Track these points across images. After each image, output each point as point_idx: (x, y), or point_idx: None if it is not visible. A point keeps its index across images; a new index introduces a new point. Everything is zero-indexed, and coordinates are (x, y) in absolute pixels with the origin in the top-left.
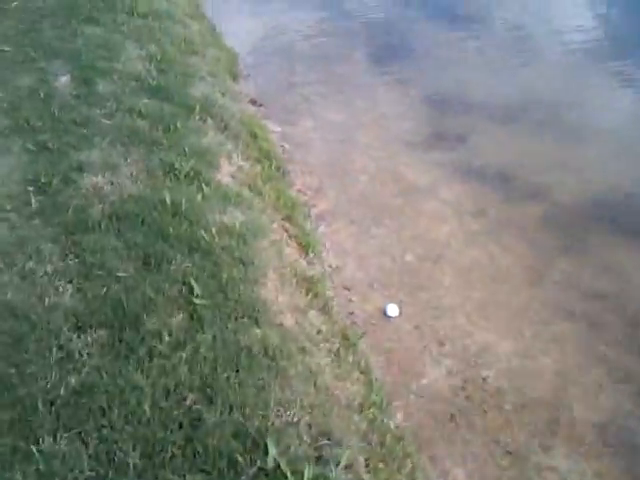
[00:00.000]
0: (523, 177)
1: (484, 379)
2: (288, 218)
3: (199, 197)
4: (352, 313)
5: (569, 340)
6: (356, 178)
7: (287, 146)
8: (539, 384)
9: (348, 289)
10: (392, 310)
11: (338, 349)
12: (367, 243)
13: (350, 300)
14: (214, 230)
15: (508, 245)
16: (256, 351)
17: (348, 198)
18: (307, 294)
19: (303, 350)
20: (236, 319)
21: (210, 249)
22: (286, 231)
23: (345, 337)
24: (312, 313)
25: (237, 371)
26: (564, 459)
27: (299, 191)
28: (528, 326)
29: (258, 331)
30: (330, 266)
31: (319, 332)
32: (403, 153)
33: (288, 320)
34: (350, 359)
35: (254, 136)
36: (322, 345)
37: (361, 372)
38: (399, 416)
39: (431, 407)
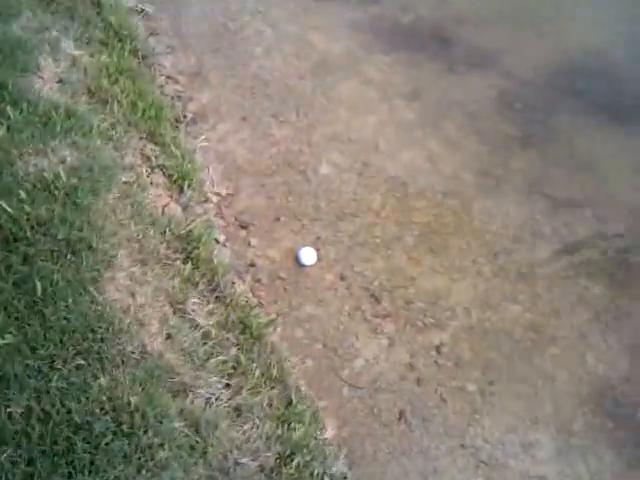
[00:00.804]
0: (467, 39)
1: (438, 348)
2: (151, 135)
3: (0, 131)
4: (252, 265)
5: (543, 278)
6: (248, 51)
7: (149, 9)
8: (509, 344)
9: (244, 227)
10: (307, 255)
11: (236, 362)
12: (267, 152)
13: (249, 244)
14: (22, 193)
15: (453, 140)
16: None
17: (238, 83)
18: (183, 272)
19: (183, 390)
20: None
21: (14, 233)
22: (147, 159)
23: (244, 329)
24: (193, 306)
25: None
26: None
27: (168, 79)
28: (489, 259)
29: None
30: (218, 194)
31: (206, 341)
32: (311, 12)
33: (157, 342)
34: (255, 372)
35: (97, 4)
36: (212, 362)
37: (271, 386)
38: (330, 428)
39: (372, 402)
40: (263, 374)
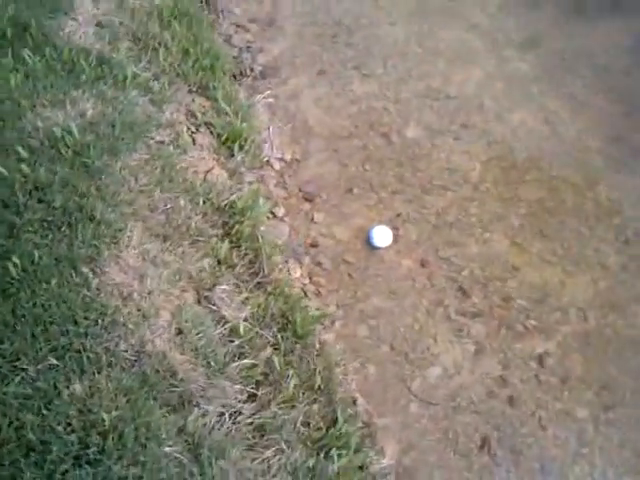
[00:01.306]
0: None
1: (541, 359)
2: (202, 89)
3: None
4: (314, 245)
5: None
6: None
7: None
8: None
9: (309, 199)
10: (382, 236)
11: (268, 368)
12: (345, 110)
13: (312, 219)
14: (22, 151)
15: (578, 98)
16: None
17: (318, 32)
18: (218, 251)
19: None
20: None
21: (5, 198)
22: (193, 116)
23: (286, 325)
24: (222, 294)
25: None
26: None
27: (238, 27)
28: (617, 248)
29: None
30: (281, 160)
31: (232, 338)
32: None
33: (161, 339)
34: (291, 380)
35: None
36: (234, 366)
37: (313, 399)
38: (389, 453)
39: (447, 424)
40: (303, 383)
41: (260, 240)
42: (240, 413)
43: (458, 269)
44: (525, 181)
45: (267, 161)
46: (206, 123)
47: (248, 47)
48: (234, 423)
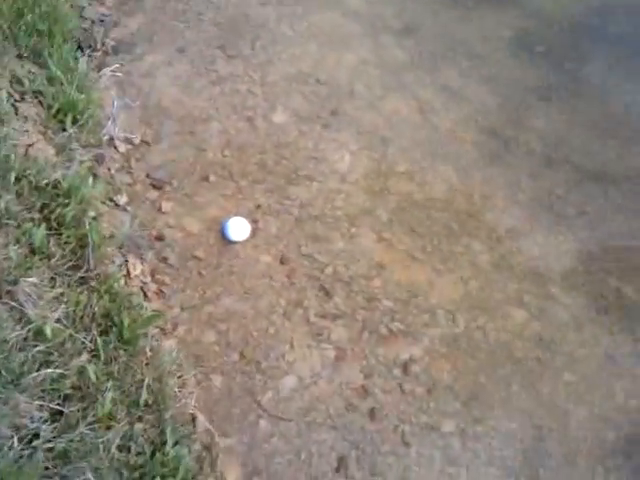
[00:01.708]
0: None
1: (405, 366)
2: (34, 55)
3: None
4: (160, 238)
5: (562, 276)
6: None
7: None
8: (508, 365)
9: (158, 186)
10: (238, 228)
11: (80, 379)
12: (206, 91)
13: (159, 209)
14: None
15: (453, 88)
16: None
17: (181, 8)
18: (30, 238)
19: None
20: None
21: None
22: (19, 83)
23: (110, 328)
24: (29, 288)
25: None
26: None
27: None
28: (489, 246)
29: None
30: (129, 142)
31: (35, 343)
32: None
33: None
34: (108, 394)
35: None
36: (31, 378)
37: (137, 417)
38: None
39: (300, 443)
40: (126, 397)
41: (87, 227)
42: (36, 436)
43: (321, 267)
44: (395, 173)
45: (110, 140)
46: (34, 92)
47: (101, 20)
48: (25, 449)
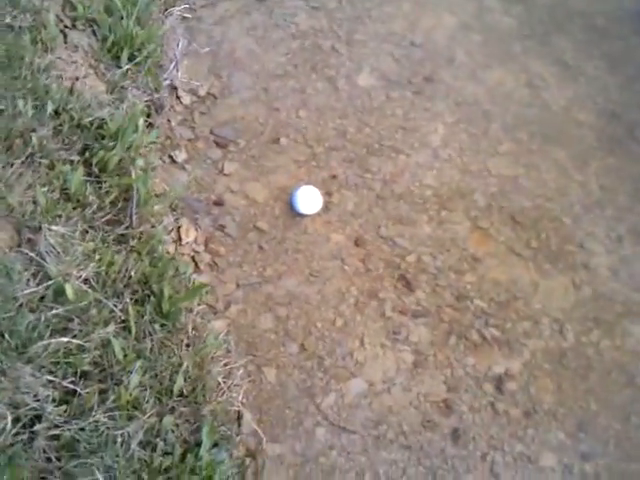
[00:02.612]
0: None
1: (499, 382)
2: None
3: None
4: (219, 203)
5: None
6: None
7: None
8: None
9: (222, 145)
10: (308, 199)
11: (105, 354)
12: (284, 44)
13: (221, 171)
14: None
15: (568, 62)
16: None
17: None
18: (65, 178)
19: None
20: None
21: None
22: (71, 7)
23: (147, 297)
24: (57, 238)
25: None
26: None
27: None
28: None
29: None
30: (194, 93)
31: (53, 305)
32: None
33: None
34: (140, 374)
35: None
36: (41, 347)
37: (170, 407)
38: None
39: (365, 461)
40: (158, 382)
41: (133, 176)
42: (38, 418)
43: (403, 253)
44: (498, 152)
45: (172, 89)
46: (88, 20)
47: None
48: (21, 433)
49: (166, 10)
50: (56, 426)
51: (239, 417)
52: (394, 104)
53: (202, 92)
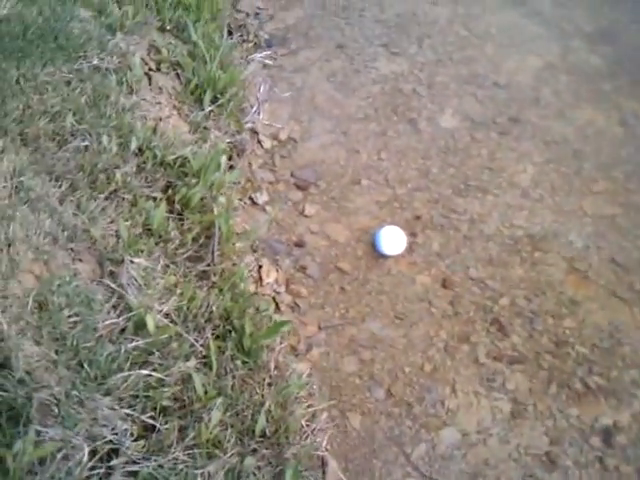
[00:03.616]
0: None
1: (607, 435)
2: (178, 31)
3: None
4: (300, 245)
5: None
6: None
7: None
8: None
9: (303, 187)
10: (392, 240)
11: (181, 394)
12: (364, 89)
13: (302, 212)
14: None
15: None
16: None
17: (342, 4)
18: (147, 214)
19: None
20: None
21: None
22: (157, 52)
23: (228, 334)
24: (139, 271)
25: None
26: None
27: None
28: None
29: None
30: (275, 138)
31: (125, 337)
32: None
33: None
34: (217, 414)
35: None
36: (119, 379)
37: (251, 449)
38: None
39: None
40: (239, 422)
41: (215, 212)
42: (115, 452)
43: (494, 296)
44: (592, 192)
45: (253, 133)
46: (172, 63)
47: (257, 13)
48: (97, 467)
49: (248, 56)
50: (134, 462)
51: (323, 464)
52: (479, 145)
53: (283, 136)
